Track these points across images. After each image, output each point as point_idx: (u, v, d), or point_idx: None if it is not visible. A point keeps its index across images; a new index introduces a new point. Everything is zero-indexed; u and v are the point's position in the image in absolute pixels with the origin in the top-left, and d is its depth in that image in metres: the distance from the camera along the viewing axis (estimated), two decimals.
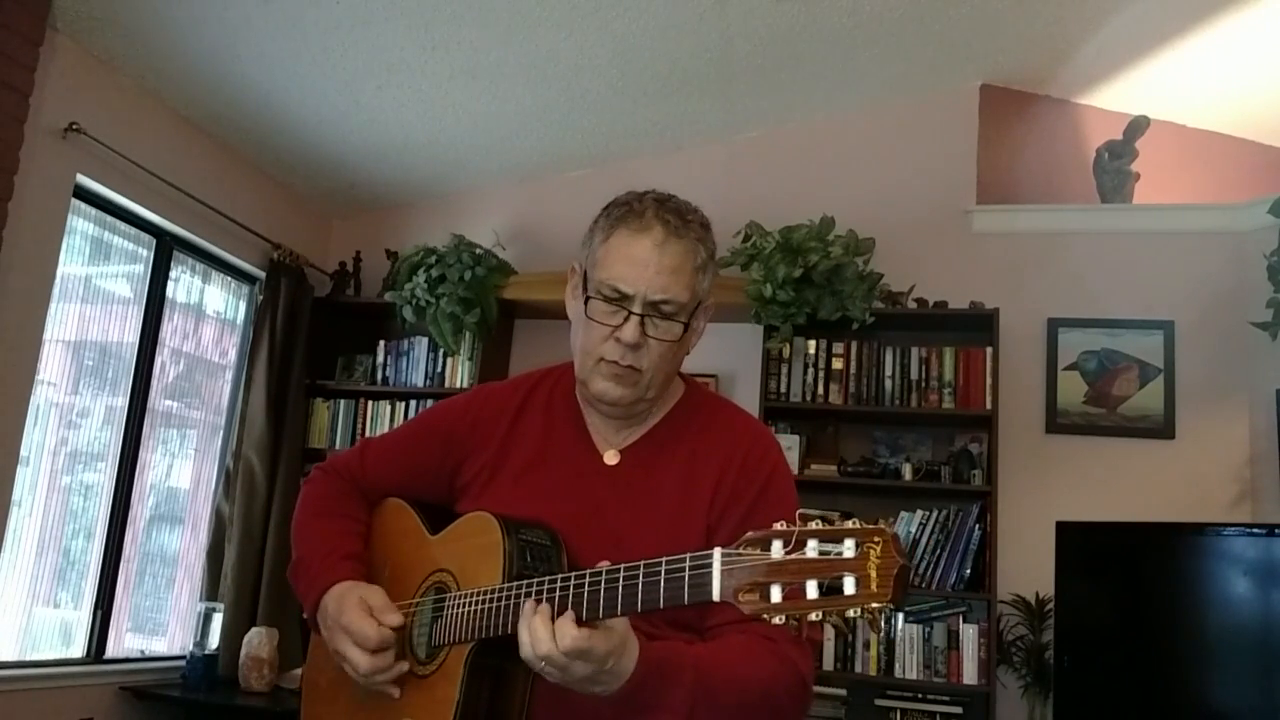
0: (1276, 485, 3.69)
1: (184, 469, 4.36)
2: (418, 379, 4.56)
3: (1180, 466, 3.89)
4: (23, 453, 3.47)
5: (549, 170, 4.71)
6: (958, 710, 3.70)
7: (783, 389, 4.07)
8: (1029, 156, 4.43)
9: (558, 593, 1.14)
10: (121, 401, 3.94)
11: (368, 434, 4.45)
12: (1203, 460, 3.88)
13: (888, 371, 4.01)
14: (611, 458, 1.44)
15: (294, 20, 3.51)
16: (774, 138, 4.56)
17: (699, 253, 1.37)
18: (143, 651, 4.04)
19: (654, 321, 1.35)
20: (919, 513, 3.88)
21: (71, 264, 3.68)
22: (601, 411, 1.44)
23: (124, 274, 4.00)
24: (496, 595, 1.23)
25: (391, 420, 4.52)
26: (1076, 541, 3.50)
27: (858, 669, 3.82)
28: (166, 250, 4.08)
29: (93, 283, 3.88)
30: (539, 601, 1.15)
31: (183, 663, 4.01)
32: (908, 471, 3.93)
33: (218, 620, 4.09)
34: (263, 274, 4.47)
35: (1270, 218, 3.70)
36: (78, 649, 3.77)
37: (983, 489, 3.83)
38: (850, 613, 0.94)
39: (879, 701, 3.77)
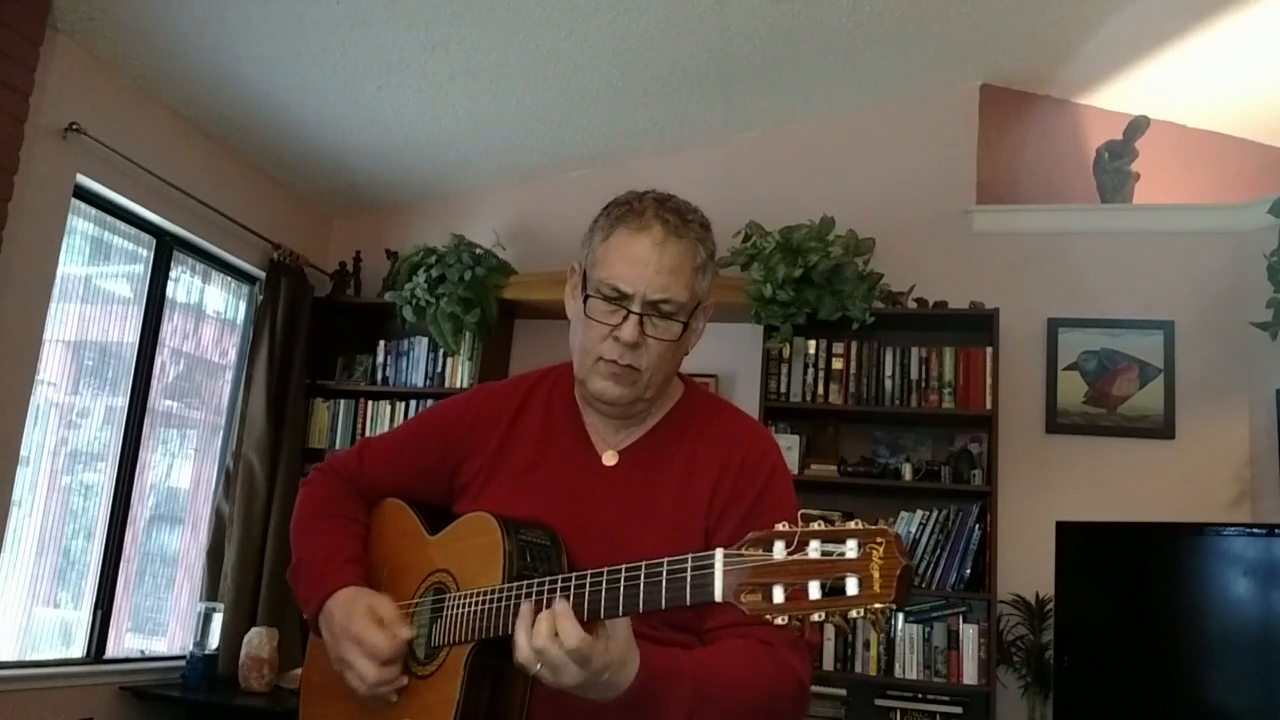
0: (1276, 485, 3.69)
1: (184, 469, 4.36)
2: (418, 379, 4.56)
3: (1180, 466, 3.88)
4: (23, 453, 3.46)
5: (549, 170, 4.71)
6: (958, 710, 3.70)
7: (783, 389, 4.07)
8: (1029, 156, 4.43)
9: (559, 593, 1.14)
10: (121, 401, 3.94)
11: (368, 434, 4.45)
12: (1203, 460, 3.88)
13: (888, 371, 4.01)
14: (610, 458, 1.43)
15: (294, 20, 3.51)
16: (774, 138, 4.56)
17: (698, 252, 1.37)
18: (143, 651, 4.04)
19: (653, 321, 1.34)
20: (919, 513, 3.88)
21: (71, 264, 3.68)
22: (600, 411, 1.44)
23: (124, 274, 4.00)
24: (497, 596, 1.23)
25: (391, 420, 4.52)
26: (1076, 541, 3.50)
27: (858, 669, 3.82)
28: (166, 250, 4.08)
29: (93, 283, 3.88)
30: (539, 603, 1.14)
31: (183, 663, 4.01)
32: (908, 471, 3.93)
33: (218, 620, 4.09)
34: (263, 274, 4.47)
35: (1270, 218, 3.70)
36: (78, 649, 3.77)
37: (983, 489, 3.83)
38: (853, 613, 0.94)
39: (879, 701, 3.77)
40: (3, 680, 3.34)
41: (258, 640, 4.02)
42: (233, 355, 4.55)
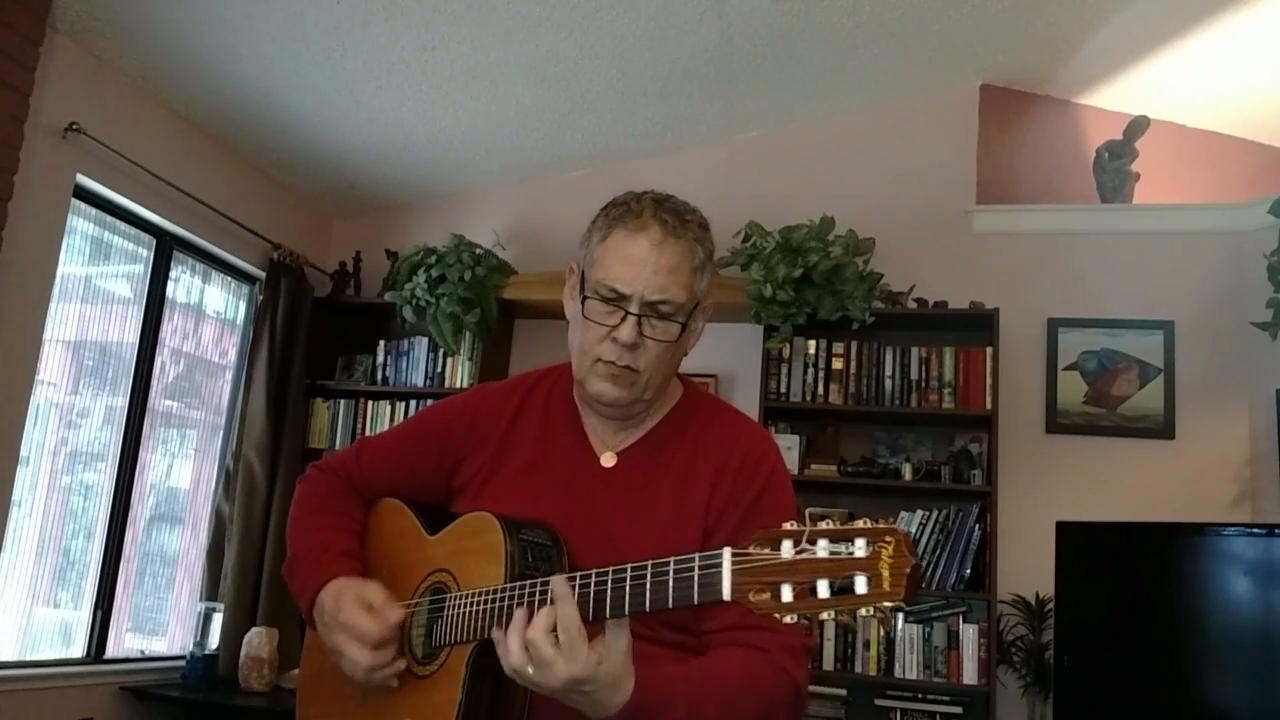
0: (1276, 485, 3.69)
1: (184, 469, 4.36)
2: (418, 379, 4.56)
3: (1180, 466, 3.89)
4: (23, 453, 3.46)
5: (549, 170, 4.71)
6: (958, 710, 3.70)
7: (783, 389, 4.07)
8: (1029, 156, 4.43)
9: None
10: (121, 401, 3.93)
11: (367, 434, 4.45)
12: (1203, 460, 3.88)
13: (888, 371, 4.01)
14: (608, 460, 1.43)
15: (294, 20, 3.51)
16: (774, 138, 4.56)
17: (697, 253, 1.37)
18: (143, 651, 4.04)
19: (651, 322, 1.34)
20: (919, 513, 3.87)
21: (71, 264, 3.68)
22: (599, 412, 1.43)
23: (124, 274, 4.00)
24: (498, 595, 1.23)
25: (391, 420, 4.52)
26: (1076, 541, 3.50)
27: (858, 669, 3.82)
28: (166, 250, 4.08)
29: (93, 283, 3.87)
30: (539, 604, 1.15)
31: (183, 663, 4.01)
32: (908, 471, 3.93)
33: (218, 620, 4.09)
34: (263, 274, 4.47)
35: (1270, 218, 3.70)
36: (78, 649, 3.77)
37: (983, 489, 3.83)
38: (862, 612, 0.94)
39: (879, 701, 3.77)
40: (3, 680, 3.34)
41: (258, 640, 4.02)
42: (233, 355, 4.55)
